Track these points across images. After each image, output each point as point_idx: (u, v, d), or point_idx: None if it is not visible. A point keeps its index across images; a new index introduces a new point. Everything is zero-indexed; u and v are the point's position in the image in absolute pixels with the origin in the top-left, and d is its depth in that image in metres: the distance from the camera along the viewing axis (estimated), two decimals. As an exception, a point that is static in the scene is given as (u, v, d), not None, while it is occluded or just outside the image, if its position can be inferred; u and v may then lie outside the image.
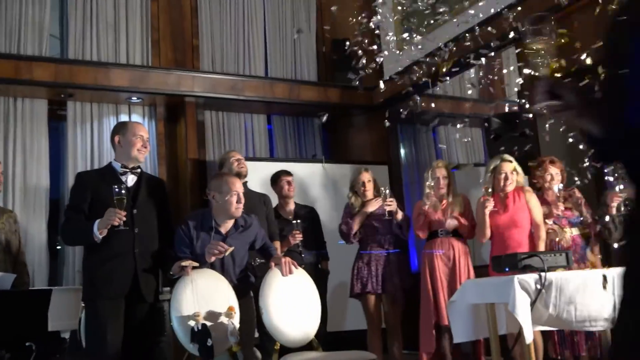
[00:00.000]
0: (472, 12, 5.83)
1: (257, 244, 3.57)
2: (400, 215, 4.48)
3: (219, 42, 6.73)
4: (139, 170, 3.40)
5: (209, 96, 6.29)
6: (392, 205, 4.42)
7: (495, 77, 7.90)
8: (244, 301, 3.35)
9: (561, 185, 4.20)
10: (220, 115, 6.72)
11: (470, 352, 4.25)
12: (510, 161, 4.23)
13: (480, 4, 5.72)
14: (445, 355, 4.30)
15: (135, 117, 6.20)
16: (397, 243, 4.61)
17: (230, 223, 3.44)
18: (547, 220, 4.20)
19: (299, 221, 4.52)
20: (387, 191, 4.45)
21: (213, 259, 3.26)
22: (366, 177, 4.69)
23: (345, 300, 4.98)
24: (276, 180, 5.05)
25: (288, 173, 5.07)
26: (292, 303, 3.44)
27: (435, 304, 4.25)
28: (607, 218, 4.10)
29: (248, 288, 3.54)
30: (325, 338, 4.61)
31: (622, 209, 4.12)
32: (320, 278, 4.83)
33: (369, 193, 4.66)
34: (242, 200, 3.39)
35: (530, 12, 5.14)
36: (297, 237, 4.49)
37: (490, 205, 4.06)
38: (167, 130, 6.48)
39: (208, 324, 3.10)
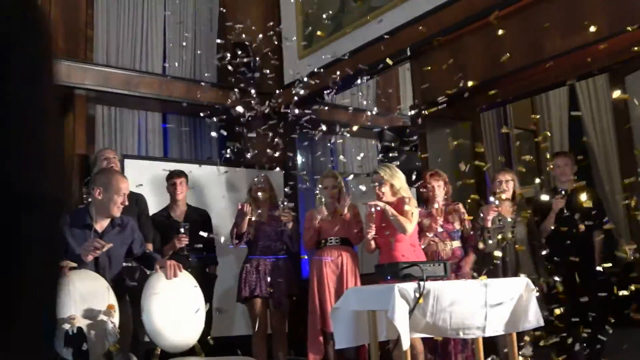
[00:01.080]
0: (372, 26, 5.99)
1: (135, 247, 3.46)
2: (290, 226, 4.51)
3: (115, 35, 6.49)
4: None
5: (101, 90, 6.04)
6: (287, 217, 4.45)
7: (390, 91, 8.20)
8: (121, 304, 3.23)
9: (441, 199, 4.38)
10: (112, 111, 6.47)
11: (354, 358, 4.34)
12: (377, 172, 4.36)
13: (379, 19, 5.88)
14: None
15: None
16: (286, 249, 4.64)
17: (106, 222, 3.34)
18: (427, 234, 4.37)
19: (186, 226, 4.44)
20: (285, 203, 4.48)
21: (90, 257, 3.12)
22: (261, 181, 4.72)
23: (233, 306, 4.94)
24: (167, 180, 4.95)
25: (178, 174, 4.96)
26: (175, 307, 3.36)
27: (322, 310, 4.31)
28: (483, 230, 4.34)
29: (124, 290, 3.41)
30: (210, 343, 4.54)
31: (497, 222, 4.39)
32: (207, 282, 4.76)
33: (263, 197, 4.68)
34: (126, 203, 3.29)
35: (425, 32, 5.38)
36: (183, 241, 4.40)
37: (372, 232, 4.15)
38: (53, 122, 6.14)
39: (85, 325, 2.96)
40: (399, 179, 4.35)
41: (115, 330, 3.02)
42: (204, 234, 4.34)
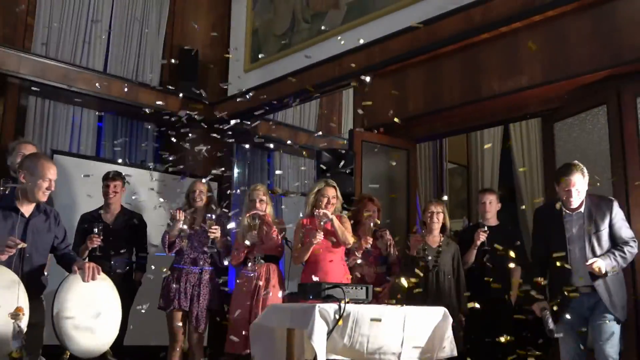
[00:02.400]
0: (318, 48, 6.07)
1: (58, 242, 3.34)
2: (220, 243, 4.47)
3: (58, 26, 6.30)
4: None
5: (36, 81, 5.84)
6: (215, 232, 4.40)
7: (332, 114, 8.29)
8: (34, 303, 3.10)
9: (372, 223, 4.45)
10: (46, 104, 6.26)
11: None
12: (334, 187, 4.40)
13: (327, 42, 5.97)
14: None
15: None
16: (213, 262, 4.57)
17: (31, 207, 3.24)
18: (356, 253, 4.42)
19: (100, 226, 4.34)
20: (213, 217, 4.44)
21: (5, 256, 2.98)
22: (200, 187, 4.65)
23: (154, 314, 4.80)
24: (103, 181, 4.84)
25: (113, 177, 4.86)
26: (90, 311, 3.26)
27: (235, 326, 4.27)
28: (407, 258, 4.43)
29: (40, 289, 3.28)
30: (124, 351, 4.41)
31: (422, 252, 4.48)
32: (129, 288, 4.64)
33: (200, 203, 4.62)
34: (52, 189, 3.19)
35: (370, 59, 5.49)
36: (95, 241, 4.29)
37: (319, 237, 4.17)
38: (-19, 109, 5.90)
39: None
40: (341, 199, 4.43)
41: (21, 336, 2.88)
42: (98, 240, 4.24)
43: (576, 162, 3.68)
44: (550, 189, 4.86)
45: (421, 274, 4.31)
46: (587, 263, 3.47)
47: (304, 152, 7.73)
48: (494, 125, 6.86)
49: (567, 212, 3.67)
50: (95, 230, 4.31)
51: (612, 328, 3.49)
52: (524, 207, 8.02)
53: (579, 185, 3.59)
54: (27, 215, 3.20)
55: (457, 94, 5.08)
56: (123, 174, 5.01)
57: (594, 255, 3.54)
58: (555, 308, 3.68)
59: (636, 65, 4.13)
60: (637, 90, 4.22)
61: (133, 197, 5.47)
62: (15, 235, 3.07)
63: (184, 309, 4.39)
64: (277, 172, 7.93)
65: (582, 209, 3.65)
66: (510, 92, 4.75)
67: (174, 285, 4.41)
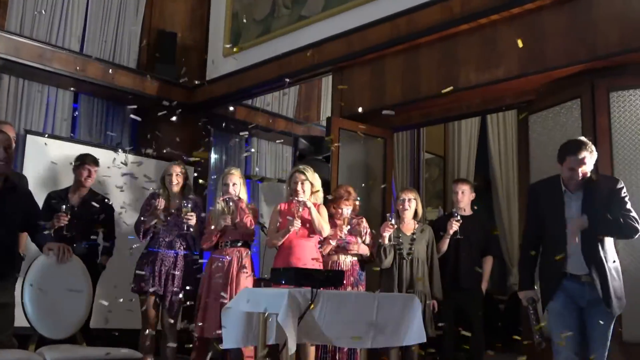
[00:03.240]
0: (299, 34, 6.05)
1: (31, 218, 3.27)
2: (195, 229, 4.45)
3: (33, 4, 6.18)
4: None
5: (10, 59, 5.73)
6: (191, 219, 4.38)
7: (311, 101, 8.29)
8: (4, 283, 3.07)
9: (349, 210, 4.46)
10: (20, 83, 6.15)
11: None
12: (303, 172, 4.40)
13: (306, 29, 5.96)
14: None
15: None
16: (188, 245, 4.56)
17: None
18: (331, 241, 4.44)
19: (68, 204, 4.30)
20: (189, 205, 4.40)
21: None
22: (177, 170, 4.62)
23: (125, 296, 4.77)
24: (79, 164, 4.77)
25: (95, 162, 4.81)
26: (59, 292, 3.24)
27: (205, 310, 4.27)
28: (380, 246, 4.47)
29: (10, 268, 3.23)
30: (94, 333, 4.40)
31: (393, 239, 4.52)
32: (93, 272, 4.60)
33: (177, 187, 4.59)
34: (9, 152, 3.10)
35: (349, 47, 5.49)
36: (62, 220, 4.24)
37: (297, 224, 4.19)
38: (-48, 87, 5.80)
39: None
40: (318, 183, 4.44)
41: None
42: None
43: (584, 138, 3.41)
44: (524, 181, 4.94)
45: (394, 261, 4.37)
46: (573, 219, 3.22)
47: (282, 140, 7.72)
48: (471, 116, 6.91)
49: (569, 191, 3.37)
50: (63, 208, 4.25)
51: (609, 330, 3.25)
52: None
53: (586, 164, 3.28)
54: None
55: (434, 84, 5.11)
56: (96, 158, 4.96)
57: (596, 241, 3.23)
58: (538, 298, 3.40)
59: (610, 61, 4.19)
60: (610, 85, 4.29)
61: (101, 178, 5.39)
62: None
63: (158, 293, 4.38)
64: (246, 154, 7.90)
65: (584, 189, 3.32)
66: (487, 84, 4.79)
67: (149, 269, 4.39)
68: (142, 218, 4.57)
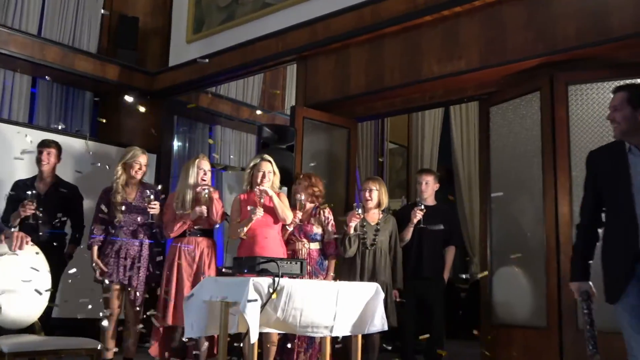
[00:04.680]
0: (263, 21, 6.01)
1: None
2: (157, 218, 4.38)
3: (-13, -15, 6.00)
4: None
5: (-36, 42, 5.57)
6: (155, 208, 4.32)
7: (276, 90, 8.26)
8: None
9: (302, 196, 4.46)
10: (-26, 66, 5.98)
11: (201, 349, 4.29)
12: (270, 161, 4.39)
13: (271, 16, 5.92)
14: (179, 350, 4.30)
15: None
16: (152, 234, 4.50)
17: None
18: (287, 227, 4.44)
19: (33, 192, 4.20)
20: (152, 195, 4.33)
21: None
22: (144, 160, 4.52)
23: (87, 286, 4.69)
24: (38, 150, 4.67)
25: (47, 144, 4.70)
26: (16, 281, 3.17)
27: (175, 299, 4.23)
28: (345, 236, 4.49)
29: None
30: (56, 323, 4.33)
31: (359, 228, 4.56)
32: (59, 261, 4.52)
33: (139, 176, 4.50)
34: None
35: (314, 36, 5.47)
36: (28, 209, 4.15)
37: (259, 212, 4.17)
38: None
39: None
40: (278, 174, 4.43)
41: None
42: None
43: None
44: (484, 171, 5.02)
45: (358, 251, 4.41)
46: None
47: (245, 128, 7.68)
48: (434, 107, 6.99)
49: (636, 148, 2.67)
50: (29, 196, 4.15)
51: None
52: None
53: None
54: None
55: (398, 74, 5.14)
56: (59, 142, 4.84)
57: None
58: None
59: (569, 54, 4.28)
60: (569, 79, 4.38)
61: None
62: None
63: (122, 282, 4.32)
64: (210, 141, 7.82)
65: None
66: (449, 75, 4.84)
67: (112, 258, 4.32)
68: (92, 236, 4.42)
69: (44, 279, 3.32)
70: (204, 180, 4.39)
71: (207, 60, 5.35)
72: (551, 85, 4.42)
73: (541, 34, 4.33)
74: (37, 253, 3.34)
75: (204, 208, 4.31)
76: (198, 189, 4.36)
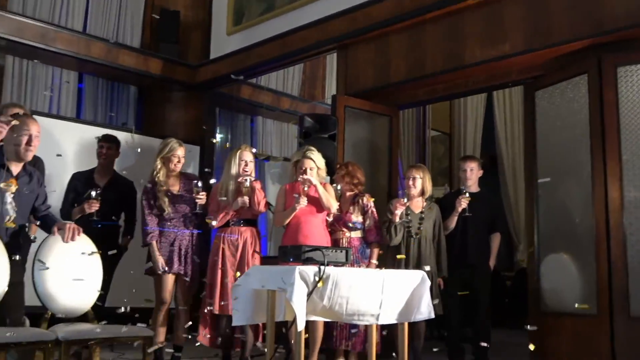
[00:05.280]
0: (303, 10, 6.01)
1: (39, 203, 3.33)
2: (203, 208, 4.43)
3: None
4: None
5: (13, 40, 5.73)
6: (202, 199, 4.36)
7: (316, 79, 8.25)
8: (14, 262, 3.10)
9: (340, 186, 4.47)
10: (24, 64, 6.16)
11: (247, 337, 4.34)
12: (312, 158, 4.39)
13: (310, 6, 5.91)
14: (225, 338, 4.37)
15: None
16: (200, 224, 4.56)
17: (19, 166, 3.23)
18: (327, 218, 4.45)
19: (98, 190, 4.29)
20: (200, 184, 4.37)
21: None
22: (182, 153, 4.55)
23: (137, 276, 4.80)
24: (97, 142, 4.81)
25: (107, 139, 4.82)
26: (70, 271, 3.27)
27: (216, 290, 4.30)
28: (390, 224, 4.48)
29: (20, 248, 3.27)
30: (106, 312, 4.43)
31: (404, 217, 4.54)
32: (114, 253, 4.62)
33: (178, 168, 4.54)
34: (33, 144, 3.19)
35: (354, 24, 5.45)
36: (93, 207, 4.25)
37: (303, 202, 4.19)
38: (-43, 68, 5.80)
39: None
40: (323, 164, 4.44)
41: (13, 206, 2.98)
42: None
43: None
44: (530, 157, 4.93)
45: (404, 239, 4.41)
46: None
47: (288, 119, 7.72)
48: (477, 92, 6.88)
49: None
50: (93, 194, 4.25)
51: None
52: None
53: None
54: (14, 173, 3.19)
55: (439, 60, 5.08)
56: (118, 138, 4.96)
57: None
58: None
59: (617, 35, 4.15)
60: (618, 60, 4.25)
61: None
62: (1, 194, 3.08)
63: (174, 273, 4.39)
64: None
65: None
66: (492, 60, 4.76)
67: (167, 250, 4.39)
68: (147, 228, 4.44)
69: (96, 270, 3.42)
70: (246, 171, 4.42)
71: (242, 77, 5.42)
72: (599, 68, 4.30)
73: (588, 14, 4.21)
74: (89, 244, 3.43)
75: (245, 198, 4.35)
76: (239, 180, 4.39)
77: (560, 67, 4.61)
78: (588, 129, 4.35)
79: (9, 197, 3.07)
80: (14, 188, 3.07)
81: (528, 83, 5.02)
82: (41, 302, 3.23)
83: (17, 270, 3.18)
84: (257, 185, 4.43)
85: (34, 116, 3.68)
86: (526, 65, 4.86)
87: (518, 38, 4.58)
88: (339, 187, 4.44)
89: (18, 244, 3.24)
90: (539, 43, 4.48)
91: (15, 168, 3.22)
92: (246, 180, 4.36)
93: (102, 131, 5.35)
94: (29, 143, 3.18)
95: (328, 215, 4.41)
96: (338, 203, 4.43)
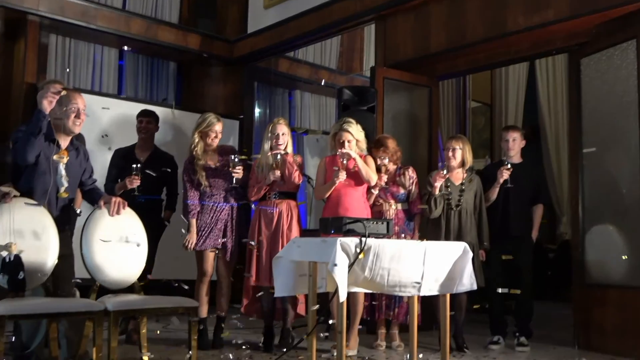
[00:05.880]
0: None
1: (85, 177, 3.42)
2: (240, 181, 4.46)
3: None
4: None
5: (55, 18, 5.83)
6: (238, 172, 4.39)
7: (354, 50, 8.16)
8: (63, 236, 3.20)
9: (386, 160, 4.43)
10: (67, 42, 6.27)
11: (288, 309, 4.40)
12: (349, 131, 4.36)
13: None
14: (267, 309, 4.43)
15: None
16: (240, 197, 4.59)
17: (67, 140, 3.32)
18: (372, 190, 4.44)
19: (138, 166, 4.35)
20: (236, 159, 4.39)
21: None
22: (219, 128, 4.58)
23: (179, 249, 4.89)
24: (137, 118, 4.87)
25: (146, 114, 4.87)
26: (117, 244, 3.35)
27: (257, 260, 4.35)
28: (430, 196, 4.44)
29: (68, 222, 3.38)
30: (152, 285, 4.54)
31: (444, 188, 4.49)
32: (157, 226, 4.72)
33: (215, 143, 4.57)
34: (81, 117, 3.28)
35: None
36: (135, 182, 4.33)
37: (342, 175, 4.19)
38: (3, 47, 5.93)
39: (23, 257, 2.93)
40: (362, 135, 4.42)
41: (65, 179, 3.10)
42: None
43: None
44: (575, 127, 4.81)
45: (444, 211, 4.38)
46: None
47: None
48: (519, 61, 6.70)
49: None
50: (134, 170, 4.32)
51: None
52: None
53: None
54: (63, 147, 3.27)
55: (480, 29, 4.97)
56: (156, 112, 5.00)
57: None
58: None
59: (669, -3, 3.99)
60: (669, 24, 4.10)
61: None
62: (51, 167, 3.17)
63: (216, 246, 4.46)
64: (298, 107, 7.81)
65: None
66: (536, 27, 4.63)
67: (206, 223, 4.45)
68: (188, 201, 4.49)
69: (141, 242, 3.49)
70: (279, 144, 4.42)
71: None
72: (649, 32, 4.14)
73: (637, -24, 4.05)
74: (134, 218, 3.51)
75: (277, 173, 4.36)
76: (268, 154, 4.41)
77: (607, 32, 4.46)
78: (637, 96, 4.22)
79: (62, 169, 3.15)
80: (65, 159, 3.16)
81: (573, 50, 4.87)
82: (90, 274, 3.32)
83: (66, 243, 3.28)
84: (289, 158, 4.42)
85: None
86: (571, 32, 4.71)
87: (563, 4, 4.43)
88: (386, 160, 4.42)
89: (67, 218, 3.34)
90: (585, 8, 4.33)
91: (64, 142, 3.30)
92: (276, 155, 4.36)
93: (143, 107, 5.43)
94: (77, 116, 3.25)
95: (374, 188, 4.41)
96: (386, 177, 4.42)
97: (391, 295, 4.33)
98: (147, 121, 4.85)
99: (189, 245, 4.44)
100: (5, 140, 3.64)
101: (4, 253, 2.89)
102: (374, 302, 4.43)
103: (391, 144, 4.59)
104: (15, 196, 3.04)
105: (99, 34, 6.20)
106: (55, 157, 3.06)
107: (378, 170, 4.44)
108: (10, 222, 2.98)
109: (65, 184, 3.09)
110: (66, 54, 6.26)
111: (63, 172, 3.13)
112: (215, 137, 4.53)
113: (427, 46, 5.34)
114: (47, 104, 3.07)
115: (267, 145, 4.45)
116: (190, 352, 3.34)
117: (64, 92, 3.15)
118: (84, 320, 3.13)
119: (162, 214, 4.90)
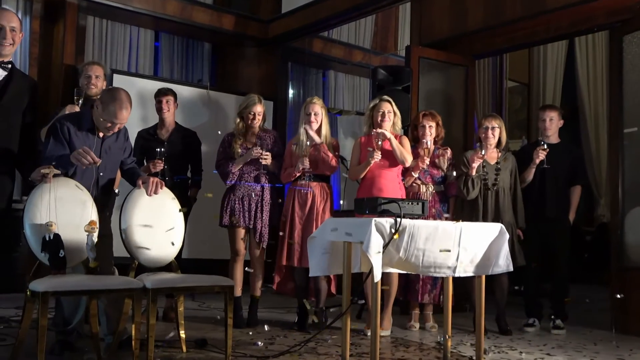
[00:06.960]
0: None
1: (125, 156, 3.47)
2: (271, 166, 4.47)
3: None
4: (9, 65, 3.31)
5: (93, 0, 5.89)
6: (267, 159, 4.39)
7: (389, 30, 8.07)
8: (102, 216, 3.26)
9: (429, 142, 4.39)
10: (104, 23, 6.35)
11: (322, 288, 4.42)
12: (389, 101, 4.34)
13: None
14: (300, 289, 4.47)
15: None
16: (272, 178, 4.62)
17: None
18: (413, 173, 4.41)
19: (162, 150, 4.39)
20: (263, 147, 4.41)
21: (86, 162, 3.08)
22: (259, 109, 4.59)
23: (213, 229, 4.96)
24: (155, 98, 4.88)
25: (165, 93, 4.86)
26: (155, 224, 3.41)
27: (284, 240, 4.38)
28: (467, 177, 4.39)
29: (108, 202, 3.44)
30: (187, 263, 4.61)
31: (481, 170, 4.43)
32: (184, 204, 4.76)
33: (256, 124, 4.58)
34: (115, 130, 3.28)
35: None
36: (157, 167, 4.37)
37: (377, 156, 4.17)
38: (42, 30, 6.03)
39: (63, 235, 3.00)
40: (399, 115, 4.39)
41: (94, 248, 3.04)
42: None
43: None
44: (615, 107, 4.69)
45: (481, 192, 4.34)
46: None
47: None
48: (558, 39, 6.56)
49: None
50: (158, 154, 4.36)
51: None
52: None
53: None
54: (101, 136, 3.31)
55: (519, 6, 4.86)
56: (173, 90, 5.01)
57: None
58: None
59: None
60: None
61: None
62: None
63: (247, 226, 4.50)
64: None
65: None
66: (576, 4, 4.52)
67: (237, 203, 4.50)
68: (223, 162, 4.58)
69: (178, 221, 3.55)
70: (312, 122, 4.40)
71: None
72: (696, 8, 4.00)
73: (686, -51, 3.90)
74: (172, 198, 3.56)
75: (306, 162, 4.32)
76: (296, 142, 4.41)
77: (652, 8, 4.32)
78: (682, 74, 4.08)
79: (91, 241, 3.04)
80: (96, 231, 3.06)
81: (615, 27, 4.73)
82: (129, 253, 3.39)
83: (105, 223, 3.35)
84: (324, 147, 4.39)
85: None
86: (613, 8, 4.57)
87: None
88: (429, 143, 4.38)
89: (107, 198, 3.41)
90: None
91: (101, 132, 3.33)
92: (307, 142, 4.34)
93: (178, 88, 5.47)
94: (111, 129, 3.22)
95: (415, 170, 4.38)
96: (428, 159, 4.39)
97: (427, 277, 4.32)
98: (166, 100, 4.85)
99: (223, 221, 4.49)
100: (47, 121, 3.68)
101: (45, 232, 2.96)
102: (409, 283, 4.42)
103: (440, 120, 4.57)
104: (55, 175, 3.09)
105: (135, 15, 6.26)
106: (86, 227, 3.04)
107: (416, 155, 4.40)
108: (51, 201, 3.05)
109: (93, 255, 3.07)
110: (103, 36, 6.35)
111: (91, 243, 3.09)
112: (254, 118, 4.54)
113: (463, 24, 5.25)
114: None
115: (300, 127, 4.46)
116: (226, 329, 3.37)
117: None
118: (123, 298, 3.20)
119: (188, 193, 4.94)
